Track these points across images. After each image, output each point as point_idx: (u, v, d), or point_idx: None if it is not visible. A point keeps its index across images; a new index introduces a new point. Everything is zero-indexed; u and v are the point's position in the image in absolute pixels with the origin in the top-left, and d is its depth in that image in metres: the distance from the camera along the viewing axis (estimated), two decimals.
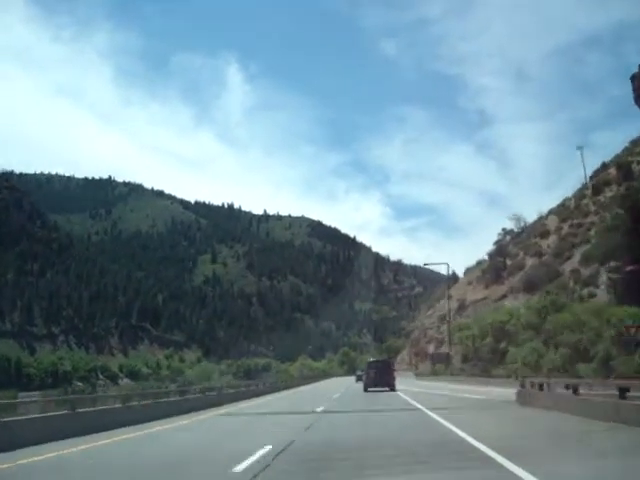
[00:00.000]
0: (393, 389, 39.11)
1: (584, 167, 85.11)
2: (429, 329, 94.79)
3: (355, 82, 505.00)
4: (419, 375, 79.74)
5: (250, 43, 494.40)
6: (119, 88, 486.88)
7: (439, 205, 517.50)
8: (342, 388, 56.76)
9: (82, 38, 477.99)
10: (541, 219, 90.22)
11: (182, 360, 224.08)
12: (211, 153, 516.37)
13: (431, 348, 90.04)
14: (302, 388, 67.08)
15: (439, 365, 74.89)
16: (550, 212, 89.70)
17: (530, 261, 76.14)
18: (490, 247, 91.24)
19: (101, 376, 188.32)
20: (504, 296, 71.57)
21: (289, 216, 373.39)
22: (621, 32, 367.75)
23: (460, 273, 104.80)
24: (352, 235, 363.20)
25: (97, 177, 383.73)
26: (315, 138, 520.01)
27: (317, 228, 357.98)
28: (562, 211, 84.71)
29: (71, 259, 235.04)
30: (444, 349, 77.50)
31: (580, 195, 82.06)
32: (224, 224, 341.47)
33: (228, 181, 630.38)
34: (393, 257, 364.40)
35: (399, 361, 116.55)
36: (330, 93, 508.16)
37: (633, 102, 71.11)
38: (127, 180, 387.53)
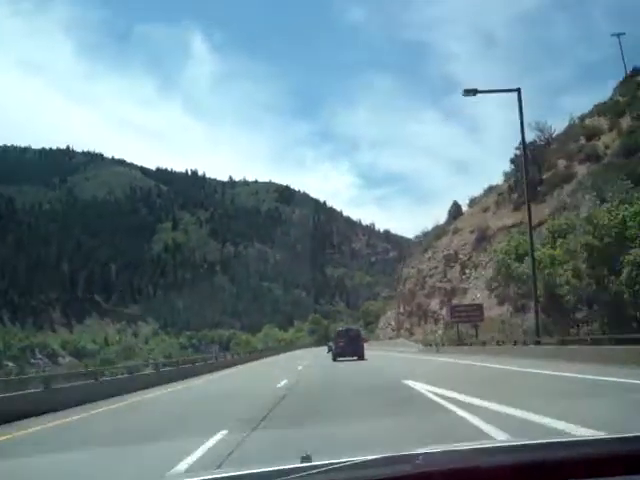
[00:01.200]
0: (362, 358, 37.56)
1: (622, 55, 62.43)
2: (428, 277, 66.35)
3: (322, 49, 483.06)
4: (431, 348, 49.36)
5: (214, 11, 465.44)
6: (81, 61, 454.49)
7: (409, 172, 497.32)
8: (306, 361, 44.66)
9: (42, 11, 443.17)
10: (573, 125, 62.83)
11: (136, 335, 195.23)
12: (176, 124, 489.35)
13: (434, 304, 61.87)
14: (254, 364, 52.27)
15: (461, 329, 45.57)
16: (584, 116, 63.28)
17: (582, 168, 48.69)
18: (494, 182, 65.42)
19: (39, 355, 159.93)
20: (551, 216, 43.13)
21: (256, 182, 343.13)
22: None
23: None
24: (322, 200, 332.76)
25: (55, 147, 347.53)
26: (282, 107, 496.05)
27: (285, 193, 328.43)
28: (612, 107, 57.78)
29: (12, 226, 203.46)
30: (467, 301, 49.22)
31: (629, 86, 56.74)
32: (187, 191, 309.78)
33: (194, 152, 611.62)
34: (365, 222, 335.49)
35: (382, 326, 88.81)
36: (297, 61, 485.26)
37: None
38: (86, 150, 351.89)
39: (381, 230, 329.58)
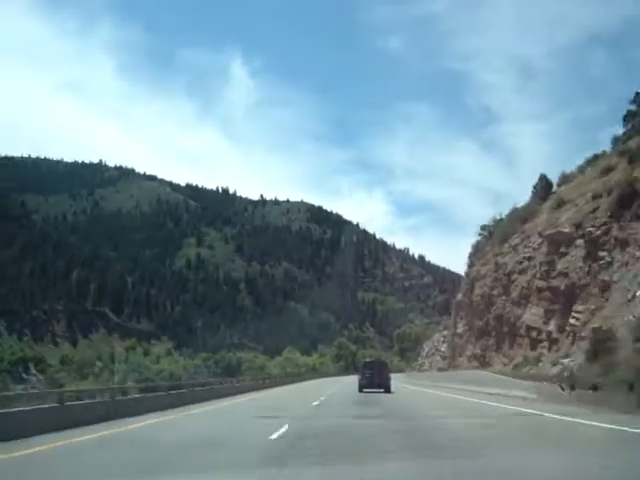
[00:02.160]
0: (388, 391, 36.83)
1: None
2: (517, 273, 42.82)
3: (360, 78, 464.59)
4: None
5: (254, 37, 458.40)
6: (123, 82, 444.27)
7: (443, 203, 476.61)
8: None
9: (86, 33, 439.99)
10: None
11: (147, 353, 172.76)
12: (212, 146, 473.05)
13: (531, 315, 38.25)
14: (261, 394, 39.49)
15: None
16: None
17: None
18: None
19: (33, 370, 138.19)
20: None
21: (287, 201, 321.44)
22: (626, 30, 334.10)
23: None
24: (355, 222, 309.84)
25: (87, 161, 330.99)
26: (319, 134, 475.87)
27: (317, 213, 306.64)
28: None
29: (22, 233, 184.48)
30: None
31: None
32: (216, 207, 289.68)
33: (227, 173, 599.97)
34: (399, 246, 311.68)
35: (428, 354, 65.64)
36: (335, 89, 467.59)
37: None
38: (119, 164, 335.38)
39: (415, 255, 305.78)
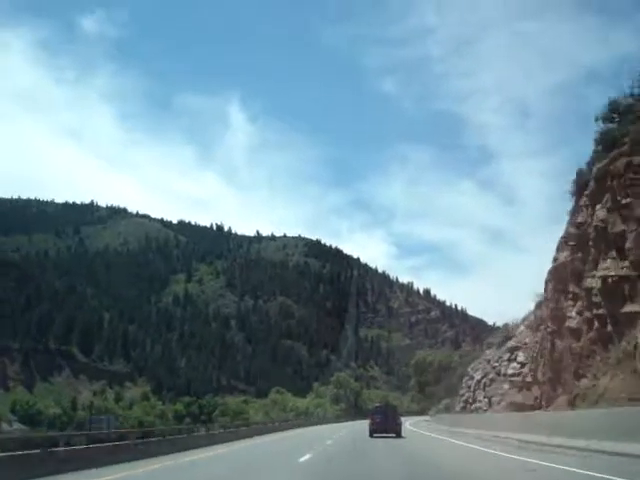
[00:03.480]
0: (399, 435, 36.19)
1: None
2: None
3: (357, 121, 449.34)
4: None
5: (252, 82, 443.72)
6: (121, 129, 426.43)
7: (443, 243, 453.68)
8: None
9: (84, 80, 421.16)
10: None
11: (119, 398, 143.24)
12: (211, 191, 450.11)
13: None
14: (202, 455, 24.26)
15: None
16: None
17: None
18: None
19: None
20: None
21: (284, 236, 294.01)
22: (621, 66, 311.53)
23: None
24: (356, 256, 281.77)
25: (79, 202, 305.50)
26: (317, 178, 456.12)
27: (315, 247, 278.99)
28: None
29: None
30: None
31: None
32: (208, 243, 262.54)
33: (225, 216, 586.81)
34: (402, 280, 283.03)
35: (466, 388, 37.34)
36: (332, 131, 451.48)
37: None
38: (110, 204, 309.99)
39: (420, 290, 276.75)
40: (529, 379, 30.08)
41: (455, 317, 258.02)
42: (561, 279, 26.22)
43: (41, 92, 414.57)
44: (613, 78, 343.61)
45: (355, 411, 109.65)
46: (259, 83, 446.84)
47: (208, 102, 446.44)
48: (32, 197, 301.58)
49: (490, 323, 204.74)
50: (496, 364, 37.59)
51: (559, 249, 27.77)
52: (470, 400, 40.00)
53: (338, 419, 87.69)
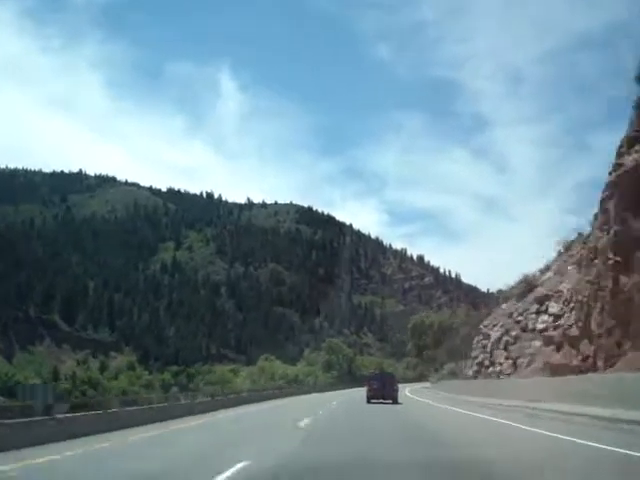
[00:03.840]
0: (395, 401, 36.51)
1: None
2: None
3: (349, 88, 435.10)
4: None
5: (242, 50, 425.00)
6: (110, 98, 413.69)
7: (436, 210, 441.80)
8: None
9: (71, 48, 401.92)
10: None
11: (104, 367, 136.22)
12: (202, 160, 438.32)
13: None
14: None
15: None
16: None
17: None
18: None
19: None
20: None
21: (275, 203, 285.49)
22: (613, 32, 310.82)
23: None
24: (348, 223, 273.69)
25: (67, 171, 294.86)
26: (309, 146, 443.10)
27: (307, 215, 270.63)
28: None
29: None
30: None
31: None
32: (198, 210, 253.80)
33: (215, 184, 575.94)
34: (395, 246, 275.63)
35: (500, 343, 29.59)
36: (324, 99, 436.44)
37: None
38: (99, 173, 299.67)
39: (414, 256, 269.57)
40: (574, 332, 22.56)
41: (449, 283, 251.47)
42: (630, 190, 18.55)
43: (28, 61, 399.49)
44: (605, 44, 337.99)
45: (350, 378, 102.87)
46: (250, 51, 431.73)
47: (198, 71, 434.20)
48: (19, 167, 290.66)
49: (484, 290, 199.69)
50: (520, 318, 30.15)
51: (621, 152, 20.03)
52: (486, 363, 32.66)
53: (330, 387, 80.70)
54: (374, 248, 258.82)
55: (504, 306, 35.77)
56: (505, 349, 29.98)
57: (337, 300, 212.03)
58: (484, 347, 34.04)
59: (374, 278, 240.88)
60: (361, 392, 43.56)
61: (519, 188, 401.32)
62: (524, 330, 29.18)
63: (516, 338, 29.63)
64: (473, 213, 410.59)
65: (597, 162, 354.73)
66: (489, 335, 33.27)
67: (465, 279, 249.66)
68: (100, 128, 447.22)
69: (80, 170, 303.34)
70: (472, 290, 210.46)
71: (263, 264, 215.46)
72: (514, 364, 28.39)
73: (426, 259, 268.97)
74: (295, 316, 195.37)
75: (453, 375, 47.51)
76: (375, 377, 40.57)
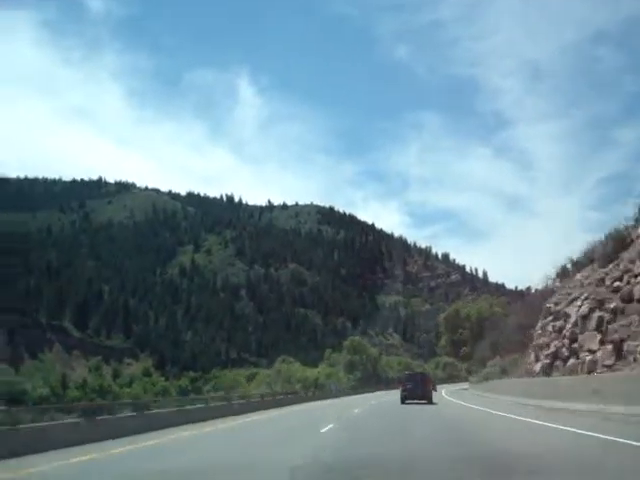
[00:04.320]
0: (430, 402, 35.09)
1: None
2: None
3: (369, 89, 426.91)
4: None
5: (260, 55, 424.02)
6: (131, 107, 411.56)
7: (459, 210, 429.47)
8: None
9: (92, 59, 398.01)
10: None
11: (117, 374, 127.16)
12: (223, 165, 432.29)
13: None
14: None
15: None
16: None
17: None
18: None
19: None
20: None
21: (296, 205, 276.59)
22: (631, 26, 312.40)
23: None
24: (370, 222, 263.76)
25: (87, 179, 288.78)
26: (330, 148, 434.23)
27: (328, 215, 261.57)
28: None
29: None
30: None
31: None
32: (217, 214, 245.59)
33: (237, 188, 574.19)
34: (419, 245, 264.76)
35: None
36: (344, 102, 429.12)
37: None
38: (119, 180, 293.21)
39: (439, 254, 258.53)
40: None
41: (476, 281, 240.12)
42: None
43: (49, 73, 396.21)
44: (622, 37, 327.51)
45: (376, 379, 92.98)
46: (268, 56, 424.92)
47: (217, 77, 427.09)
48: (39, 176, 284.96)
49: (511, 287, 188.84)
50: (619, 284, 20.17)
51: None
52: (564, 353, 22.70)
53: (353, 390, 70.95)
54: (398, 247, 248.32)
55: (580, 275, 25.89)
56: (599, 330, 20.07)
57: (361, 300, 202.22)
58: (559, 332, 24.20)
59: (399, 277, 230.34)
60: (390, 396, 39.75)
61: (542, 185, 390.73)
62: (627, 300, 19.33)
63: (614, 312, 19.76)
64: (497, 211, 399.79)
65: (620, 157, 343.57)
66: (567, 314, 23.42)
67: (492, 277, 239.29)
68: (121, 137, 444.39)
69: (100, 177, 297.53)
70: (500, 287, 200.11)
71: (283, 265, 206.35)
72: (617, 350, 18.51)
73: (451, 257, 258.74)
74: (317, 317, 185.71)
75: (503, 373, 37.64)
76: (409, 377, 39.24)
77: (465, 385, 59.61)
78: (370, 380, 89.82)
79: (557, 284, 31.04)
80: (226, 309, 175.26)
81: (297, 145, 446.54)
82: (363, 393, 67.28)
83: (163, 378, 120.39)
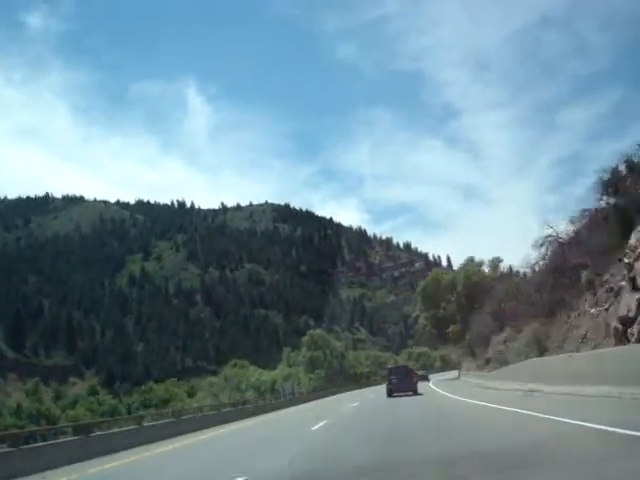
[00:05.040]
0: (416, 393, 33.91)
1: None
2: None
3: (317, 89, 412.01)
4: None
5: (206, 63, 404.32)
6: (77, 125, 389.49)
7: (416, 203, 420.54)
8: None
9: (35, 78, 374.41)
10: None
11: (59, 396, 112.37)
12: (177, 178, 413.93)
13: None
14: None
15: None
16: None
17: None
18: None
19: None
20: None
21: (250, 205, 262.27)
22: (575, 9, 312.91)
23: None
24: (328, 217, 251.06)
25: (33, 196, 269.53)
26: (284, 151, 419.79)
27: (284, 212, 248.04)
28: None
29: None
30: None
31: None
32: (169, 220, 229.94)
33: (191, 195, 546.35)
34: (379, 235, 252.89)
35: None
36: (293, 104, 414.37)
37: None
38: (66, 194, 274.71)
39: (401, 244, 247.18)
40: None
41: (441, 268, 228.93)
42: None
43: None
44: (567, 21, 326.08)
45: (343, 377, 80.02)
46: (214, 63, 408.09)
47: (164, 88, 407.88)
48: None
49: None
50: None
51: None
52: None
53: (315, 393, 57.54)
54: (358, 238, 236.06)
55: None
56: None
57: (323, 296, 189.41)
58: (616, 293, 12.05)
59: (361, 270, 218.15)
60: (365, 398, 36.47)
61: (495, 172, 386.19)
62: None
63: None
64: (453, 201, 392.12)
65: (569, 139, 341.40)
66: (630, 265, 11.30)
67: (456, 264, 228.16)
68: (69, 154, 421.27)
69: (47, 193, 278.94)
70: None
71: (239, 265, 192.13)
72: None
73: (413, 246, 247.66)
74: (278, 317, 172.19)
75: (500, 362, 25.18)
76: (392, 371, 38.44)
77: (450, 374, 47.25)
78: (337, 378, 76.96)
79: None
80: (180, 316, 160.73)
81: (250, 151, 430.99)
82: (327, 396, 54.23)
83: (111, 396, 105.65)
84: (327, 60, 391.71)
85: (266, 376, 71.18)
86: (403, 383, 34.84)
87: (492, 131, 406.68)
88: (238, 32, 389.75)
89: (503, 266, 52.96)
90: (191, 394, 73.58)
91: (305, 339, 78.68)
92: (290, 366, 75.94)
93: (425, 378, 58.93)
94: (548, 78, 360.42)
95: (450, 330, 50.70)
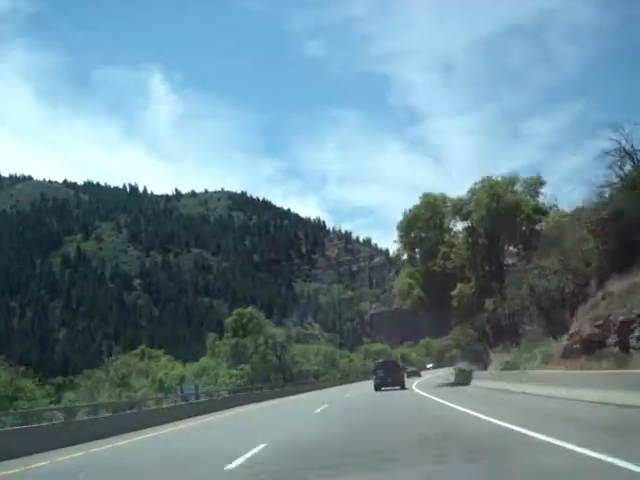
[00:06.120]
0: (403, 387, 34.41)
1: None
2: None
3: (285, 86, 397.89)
4: None
5: (172, 53, 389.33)
6: (40, 106, 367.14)
7: (376, 205, 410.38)
8: None
9: None
10: None
11: None
12: (137, 165, 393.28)
13: None
14: None
15: None
16: None
17: None
18: None
19: None
20: None
21: (205, 192, 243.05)
22: (542, 20, 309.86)
23: None
24: (286, 208, 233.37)
25: None
26: (246, 146, 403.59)
27: (240, 200, 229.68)
28: None
29: None
30: None
31: None
32: (116, 202, 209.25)
33: (146, 183, 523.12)
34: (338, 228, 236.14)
35: None
36: (260, 98, 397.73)
37: None
38: (14, 173, 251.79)
39: (361, 239, 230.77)
40: None
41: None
42: None
43: None
44: (534, 31, 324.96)
45: (279, 377, 62.62)
46: (180, 53, 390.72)
47: (129, 75, 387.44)
48: None
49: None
50: None
51: None
52: None
53: (232, 399, 39.40)
54: (316, 230, 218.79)
55: None
56: None
57: (276, 288, 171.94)
58: None
59: (317, 263, 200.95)
60: (300, 409, 22.67)
61: (456, 177, 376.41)
62: None
63: None
64: (413, 204, 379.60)
65: (531, 149, 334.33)
66: None
67: None
68: (26, 134, 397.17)
69: None
70: None
71: (185, 251, 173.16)
72: None
73: (373, 242, 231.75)
74: (224, 307, 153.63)
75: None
76: (379, 366, 37.41)
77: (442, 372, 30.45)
78: (274, 376, 59.80)
79: None
80: (113, 301, 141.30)
81: (214, 142, 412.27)
82: (245, 403, 36.19)
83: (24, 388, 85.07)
84: (295, 57, 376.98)
85: (178, 370, 53.54)
86: (390, 378, 34.55)
87: (455, 136, 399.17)
88: (206, 22, 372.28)
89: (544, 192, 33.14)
90: (65, 389, 54.90)
91: (228, 321, 61.32)
92: (215, 356, 58.47)
93: (417, 374, 61.77)
94: (514, 86, 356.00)
95: (457, 292, 30.69)
